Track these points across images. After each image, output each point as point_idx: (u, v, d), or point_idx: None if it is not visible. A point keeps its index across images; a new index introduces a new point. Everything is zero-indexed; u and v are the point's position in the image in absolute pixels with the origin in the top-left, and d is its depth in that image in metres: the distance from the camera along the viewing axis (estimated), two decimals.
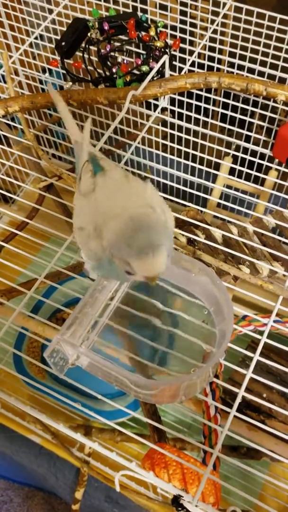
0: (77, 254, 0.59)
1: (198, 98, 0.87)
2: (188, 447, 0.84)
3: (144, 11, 0.91)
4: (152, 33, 0.74)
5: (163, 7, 0.90)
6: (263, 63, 0.85)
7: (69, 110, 0.83)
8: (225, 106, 0.89)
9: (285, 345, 0.57)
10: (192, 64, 0.84)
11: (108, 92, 0.68)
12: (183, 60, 0.88)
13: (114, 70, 0.73)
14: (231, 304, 0.51)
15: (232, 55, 0.87)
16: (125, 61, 0.74)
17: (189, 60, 0.83)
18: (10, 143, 0.87)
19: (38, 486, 1.20)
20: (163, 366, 0.53)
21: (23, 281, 0.68)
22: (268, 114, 0.86)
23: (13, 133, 0.89)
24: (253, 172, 0.76)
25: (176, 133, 0.79)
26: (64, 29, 0.82)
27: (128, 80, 0.72)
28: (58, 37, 0.83)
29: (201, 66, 0.88)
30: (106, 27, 0.74)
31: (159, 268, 0.43)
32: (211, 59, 0.88)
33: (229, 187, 0.93)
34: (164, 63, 0.72)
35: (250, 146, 0.81)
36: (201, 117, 0.83)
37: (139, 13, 0.79)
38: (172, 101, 0.83)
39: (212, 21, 0.87)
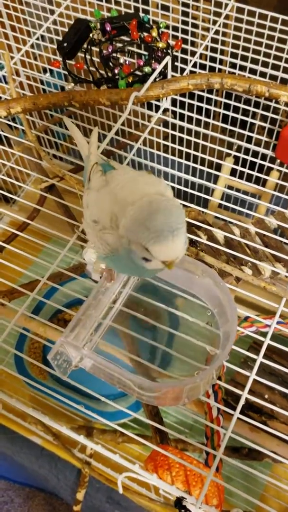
0: (78, 255, 0.59)
1: (200, 98, 0.87)
2: (189, 448, 0.84)
3: (146, 11, 0.91)
4: (154, 34, 0.74)
5: (164, 8, 0.90)
6: (265, 64, 0.85)
7: (71, 111, 0.83)
8: (227, 106, 0.89)
9: (287, 346, 0.57)
10: (194, 65, 0.84)
11: (110, 93, 0.68)
12: (184, 61, 0.88)
13: (116, 71, 0.73)
14: (234, 306, 0.51)
15: (233, 55, 0.87)
16: (127, 62, 0.74)
17: (191, 61, 0.83)
18: (11, 143, 0.87)
19: (39, 487, 1.20)
20: (166, 368, 0.53)
21: (24, 282, 0.68)
22: (270, 115, 0.86)
23: (14, 134, 0.89)
24: (255, 173, 0.76)
25: (177, 133, 0.79)
26: (66, 30, 0.82)
27: (130, 81, 0.72)
28: (60, 38, 0.83)
29: (202, 66, 0.88)
30: (108, 28, 0.74)
31: (179, 252, 0.41)
32: (213, 59, 0.88)
33: (230, 187, 0.93)
34: (166, 64, 0.72)
35: (252, 146, 0.81)
36: (203, 118, 0.83)
37: (141, 14, 0.79)
38: (174, 102, 0.83)
39: (214, 22, 0.87)
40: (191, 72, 0.83)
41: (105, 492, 0.95)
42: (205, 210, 0.69)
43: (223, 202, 0.73)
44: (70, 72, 0.76)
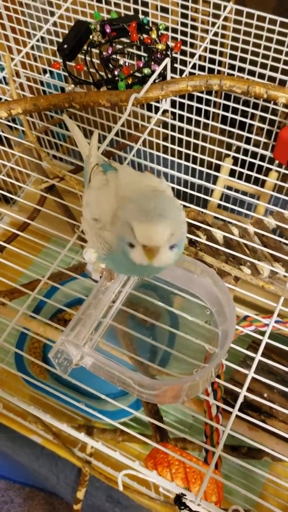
0: (78, 255, 0.59)
1: (199, 100, 0.87)
2: (189, 446, 0.85)
3: (145, 13, 0.92)
4: (154, 35, 0.74)
5: (164, 10, 0.91)
6: (264, 66, 0.86)
7: (71, 112, 0.84)
8: (226, 108, 0.89)
9: (286, 345, 0.57)
10: (193, 67, 0.84)
11: (110, 94, 0.68)
12: (184, 63, 0.88)
13: (116, 72, 0.74)
14: (233, 305, 0.52)
15: (232, 57, 0.88)
16: (127, 64, 0.75)
17: (190, 62, 0.84)
18: (11, 144, 0.88)
19: (39, 487, 1.20)
20: (166, 366, 0.54)
21: (24, 281, 0.69)
22: (268, 116, 0.86)
23: (14, 135, 0.89)
24: (254, 174, 0.76)
25: (177, 134, 0.80)
26: (66, 31, 0.83)
27: (130, 82, 0.73)
28: (60, 40, 0.84)
29: (202, 68, 0.89)
30: (108, 30, 0.75)
31: (160, 237, 0.41)
32: (212, 61, 0.88)
33: (229, 188, 0.93)
34: (165, 66, 0.72)
35: (251, 147, 0.81)
36: (202, 119, 0.84)
37: (141, 16, 0.79)
38: (173, 103, 0.83)
39: (213, 24, 0.87)
40: (190, 73, 0.83)
41: (105, 491, 0.96)
42: (204, 210, 0.69)
43: (222, 203, 0.73)
44: (70, 73, 0.77)
